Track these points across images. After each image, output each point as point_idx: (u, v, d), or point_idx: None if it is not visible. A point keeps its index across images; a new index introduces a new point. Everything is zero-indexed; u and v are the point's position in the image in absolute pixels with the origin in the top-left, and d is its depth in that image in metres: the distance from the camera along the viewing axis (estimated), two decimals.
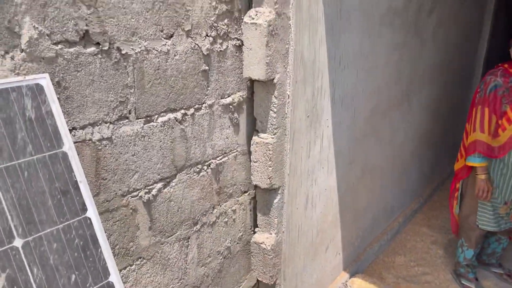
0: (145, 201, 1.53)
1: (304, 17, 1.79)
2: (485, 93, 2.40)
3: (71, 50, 1.19)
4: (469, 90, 3.98)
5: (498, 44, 3.74)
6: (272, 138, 1.83)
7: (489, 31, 3.94)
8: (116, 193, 1.42)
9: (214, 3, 1.60)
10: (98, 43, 1.26)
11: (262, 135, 1.86)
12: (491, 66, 3.93)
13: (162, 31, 1.44)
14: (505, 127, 2.38)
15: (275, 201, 1.94)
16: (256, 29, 1.65)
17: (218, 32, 1.65)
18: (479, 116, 2.42)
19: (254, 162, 1.90)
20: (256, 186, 1.97)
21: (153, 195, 1.55)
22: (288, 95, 1.84)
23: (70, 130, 1.24)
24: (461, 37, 3.61)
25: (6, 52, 1.06)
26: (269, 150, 1.84)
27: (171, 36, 1.48)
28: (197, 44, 1.58)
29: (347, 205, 2.55)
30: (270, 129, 1.84)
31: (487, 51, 4.01)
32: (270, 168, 1.86)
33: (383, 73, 2.55)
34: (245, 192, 1.99)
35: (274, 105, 1.80)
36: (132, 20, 1.33)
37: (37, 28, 1.11)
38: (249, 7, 1.73)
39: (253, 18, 1.66)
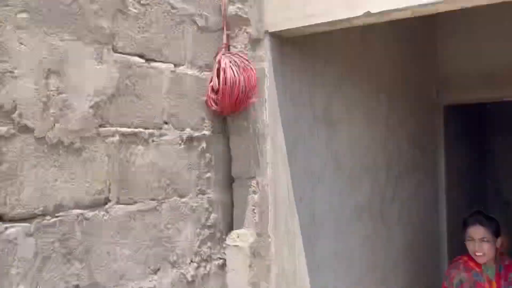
0: None
1: (282, 231, 1.89)
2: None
3: None
4: (437, 269, 4.08)
5: (456, 220, 4.00)
6: None
7: (445, 208, 4.24)
8: None
9: (198, 230, 1.68)
10: None
11: None
12: (454, 242, 4.11)
13: (149, 267, 1.47)
14: None
15: None
16: (238, 251, 1.71)
17: (202, 257, 1.69)
18: None
19: None
20: None
21: None
22: None
23: None
24: (422, 215, 3.85)
25: None
26: None
27: (158, 270, 1.51)
28: (182, 273, 1.60)
29: None
30: None
31: (448, 226, 4.25)
32: None
33: (358, 266, 2.61)
34: None
35: None
36: (122, 264, 1.37)
37: None
38: (231, 227, 1.83)
39: (235, 240, 1.74)
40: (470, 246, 2.42)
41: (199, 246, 1.68)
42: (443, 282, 2.55)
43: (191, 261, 1.65)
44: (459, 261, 2.54)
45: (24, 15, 1.11)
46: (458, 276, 2.44)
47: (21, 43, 1.11)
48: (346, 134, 2.53)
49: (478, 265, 2.44)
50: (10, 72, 1.08)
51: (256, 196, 1.77)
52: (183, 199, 1.63)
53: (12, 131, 1.09)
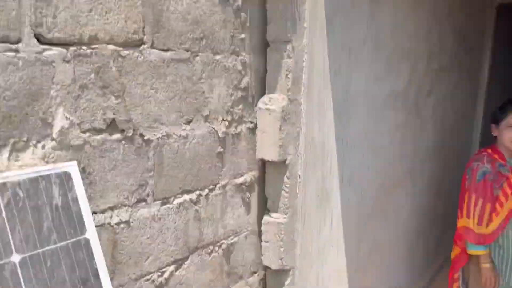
0: (157, 284, 1.50)
1: (314, 102, 1.88)
2: (474, 180, 2.44)
3: (98, 137, 1.24)
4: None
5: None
6: (284, 218, 1.84)
7: (482, 111, 4.10)
8: (130, 277, 1.40)
9: (230, 91, 1.69)
10: (123, 130, 1.31)
11: (273, 214, 1.87)
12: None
13: (182, 117, 1.51)
14: (498, 212, 2.41)
15: (287, 282, 1.91)
16: (270, 114, 1.72)
17: (233, 117, 1.72)
18: (470, 203, 2.45)
19: (265, 242, 1.89)
20: (266, 267, 1.94)
21: (165, 278, 1.53)
22: (299, 176, 1.88)
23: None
24: (458, 116, 3.75)
25: (38, 141, 1.11)
26: (281, 230, 1.84)
27: (191, 121, 1.54)
28: (214, 128, 1.64)
29: (356, 285, 2.50)
30: (281, 208, 1.85)
31: (482, 130, 4.14)
32: (281, 248, 1.85)
33: (387, 153, 2.62)
34: (255, 273, 1.96)
35: (286, 186, 1.83)
36: (156, 108, 1.40)
37: (69, 118, 1.16)
38: (263, 93, 1.82)
39: (266, 104, 1.74)
40: (509, 133, 2.36)
41: (231, 107, 1.70)
42: (464, 173, 2.55)
43: (223, 119, 1.68)
44: (482, 154, 2.50)
45: None
46: (481, 169, 2.42)
47: None
48: (389, 13, 2.38)
49: (502, 157, 2.40)
50: None
51: (290, 61, 1.73)
52: (217, 57, 1.61)
53: None
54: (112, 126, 1.28)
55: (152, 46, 1.37)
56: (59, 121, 1.14)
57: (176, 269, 1.57)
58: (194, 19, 1.49)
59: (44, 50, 1.09)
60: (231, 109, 1.70)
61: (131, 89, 1.31)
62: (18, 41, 1.04)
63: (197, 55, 1.53)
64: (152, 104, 1.38)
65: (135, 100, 1.33)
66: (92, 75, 1.20)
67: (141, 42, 1.33)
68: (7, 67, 1.02)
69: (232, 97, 1.70)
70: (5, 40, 1.01)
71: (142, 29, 1.33)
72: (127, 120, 1.32)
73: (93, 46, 1.20)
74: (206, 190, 1.66)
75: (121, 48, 1.27)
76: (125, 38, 1.28)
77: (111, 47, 1.24)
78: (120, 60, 1.27)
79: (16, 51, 1.04)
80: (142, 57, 1.34)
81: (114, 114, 1.27)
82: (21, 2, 1.03)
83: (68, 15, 1.13)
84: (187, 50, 1.49)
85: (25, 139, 1.08)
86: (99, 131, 1.24)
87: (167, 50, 1.42)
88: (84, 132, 1.20)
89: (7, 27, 1.01)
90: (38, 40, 1.08)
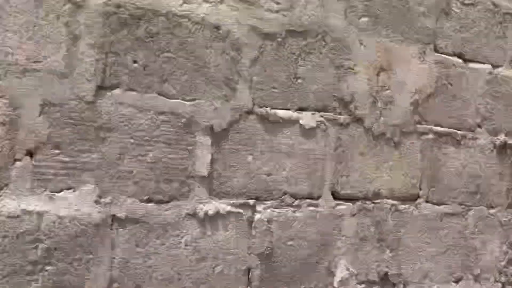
0: None
1: None
2: None
3: None
4: None
5: None
6: None
7: None
8: None
9: (505, 248, 1.52)
10: (394, 284, 1.30)
11: None
12: None
13: (451, 274, 1.41)
14: None
15: None
16: None
17: (509, 278, 1.52)
18: None
19: None
20: None
21: None
22: None
23: None
24: None
25: None
26: None
27: (460, 279, 1.43)
28: None
29: None
30: None
31: None
32: None
33: None
34: None
35: None
36: (426, 263, 1.36)
37: (349, 269, 1.22)
38: None
39: None
40: None
41: (505, 266, 1.52)
42: None
43: (495, 280, 1.50)
44: None
45: (365, 19, 1.25)
46: None
47: (361, 44, 1.25)
48: None
49: None
50: (351, 69, 1.23)
51: None
52: (491, 211, 1.50)
53: (348, 120, 1.23)
54: (384, 279, 1.29)
55: (426, 200, 1.38)
56: (340, 272, 1.22)
57: None
58: (469, 174, 1.45)
59: (337, 205, 1.22)
60: (505, 269, 1.52)
61: (405, 243, 1.32)
62: (318, 197, 1.19)
63: (470, 209, 1.46)
64: (423, 259, 1.35)
65: (407, 254, 1.32)
66: (372, 229, 1.27)
67: (416, 197, 1.36)
68: (307, 220, 1.17)
69: (507, 255, 1.52)
70: (309, 197, 1.18)
71: (419, 184, 1.36)
72: (399, 274, 1.31)
73: (375, 201, 1.28)
74: None
75: (398, 203, 1.32)
76: (403, 192, 1.33)
77: (390, 201, 1.31)
78: (396, 214, 1.32)
79: (316, 206, 1.19)
80: (416, 211, 1.35)
81: (387, 267, 1.29)
82: (324, 167, 1.20)
83: (357, 174, 1.25)
84: (460, 204, 1.44)
85: (312, 286, 1.17)
86: (372, 283, 1.27)
87: (440, 204, 1.40)
88: (359, 283, 1.24)
89: (312, 186, 1.18)
90: (333, 196, 1.22)
